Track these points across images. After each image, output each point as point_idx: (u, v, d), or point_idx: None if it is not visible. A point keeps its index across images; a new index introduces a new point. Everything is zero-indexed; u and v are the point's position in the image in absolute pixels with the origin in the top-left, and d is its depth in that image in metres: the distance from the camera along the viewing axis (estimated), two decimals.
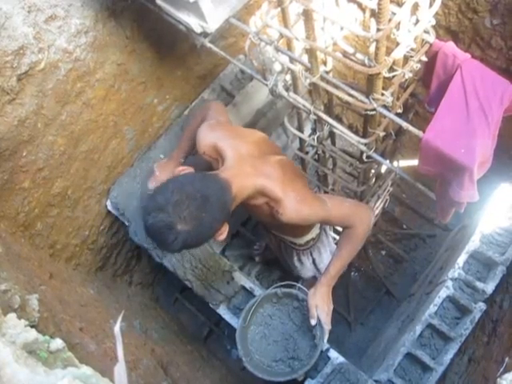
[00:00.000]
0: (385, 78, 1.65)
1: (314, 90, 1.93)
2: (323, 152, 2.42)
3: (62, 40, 2.06)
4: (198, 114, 2.32)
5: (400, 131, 2.22)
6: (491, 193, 2.51)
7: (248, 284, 2.52)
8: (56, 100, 2.17)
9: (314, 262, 2.66)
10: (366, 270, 3.85)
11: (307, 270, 2.73)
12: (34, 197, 2.30)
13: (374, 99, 1.69)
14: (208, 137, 1.92)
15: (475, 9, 2.48)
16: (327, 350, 2.29)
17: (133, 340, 2.38)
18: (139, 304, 3.25)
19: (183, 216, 1.50)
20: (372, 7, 1.39)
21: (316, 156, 2.52)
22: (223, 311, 2.51)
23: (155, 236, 1.56)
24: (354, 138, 1.94)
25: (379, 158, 2.02)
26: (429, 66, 1.84)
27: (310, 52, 1.73)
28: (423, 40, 1.74)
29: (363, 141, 1.94)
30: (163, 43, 2.59)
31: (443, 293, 2.34)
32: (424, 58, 1.78)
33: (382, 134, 1.97)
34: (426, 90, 1.98)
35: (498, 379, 1.14)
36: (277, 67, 2.65)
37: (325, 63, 2.05)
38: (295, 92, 2.01)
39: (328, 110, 2.27)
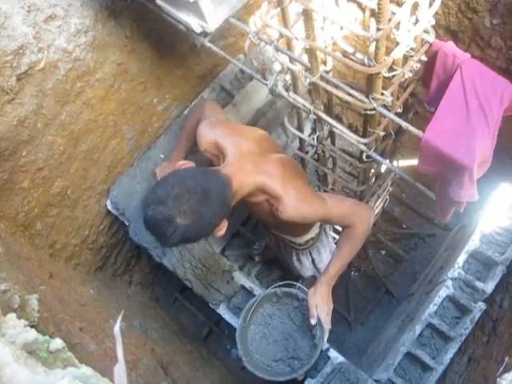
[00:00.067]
0: (384, 77, 1.65)
1: (313, 90, 1.93)
2: (323, 152, 2.42)
3: (62, 40, 2.06)
4: (192, 114, 2.33)
5: (400, 131, 2.22)
6: (491, 192, 2.51)
7: (248, 284, 2.52)
8: (56, 100, 2.16)
9: (313, 261, 2.66)
10: (365, 269, 3.85)
11: (306, 270, 2.73)
12: (34, 197, 2.30)
13: (373, 99, 1.69)
14: (209, 134, 1.93)
15: (475, 8, 2.48)
16: (327, 349, 2.28)
17: (133, 340, 2.38)
18: (139, 304, 3.25)
19: (183, 210, 1.50)
20: (372, 7, 1.39)
21: (316, 155, 2.52)
22: (223, 311, 2.51)
23: (154, 229, 1.55)
24: (353, 137, 1.94)
25: (379, 158, 2.02)
26: (428, 66, 1.84)
27: (310, 52, 1.73)
28: (423, 40, 1.74)
29: (363, 140, 1.94)
30: (163, 43, 2.59)
31: (443, 292, 2.34)
32: (424, 58, 1.78)
33: (381, 133, 1.97)
34: (425, 90, 1.98)
35: (498, 379, 1.14)
36: (276, 67, 2.65)
37: (325, 63, 2.05)
38: (295, 92, 2.01)
39: (328, 109, 2.27)
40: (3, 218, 2.17)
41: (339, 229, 2.98)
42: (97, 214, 2.80)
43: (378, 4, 1.32)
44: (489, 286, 2.29)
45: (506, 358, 1.85)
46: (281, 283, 2.17)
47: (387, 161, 2.16)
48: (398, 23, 1.52)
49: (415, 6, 1.55)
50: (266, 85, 2.00)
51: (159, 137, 2.95)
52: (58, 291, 2.09)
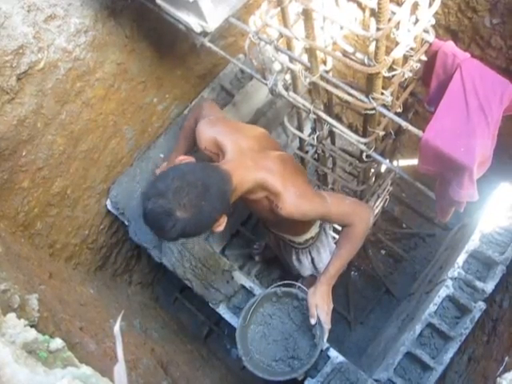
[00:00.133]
0: (384, 77, 1.65)
1: (313, 90, 1.93)
2: (323, 151, 2.42)
3: (62, 39, 2.06)
4: (191, 114, 2.33)
5: (400, 130, 2.22)
6: (491, 192, 2.51)
7: (248, 283, 2.52)
8: (55, 99, 2.16)
9: (312, 261, 2.66)
10: (365, 269, 3.85)
11: (306, 269, 2.73)
12: (34, 196, 2.30)
13: (373, 98, 1.69)
14: (208, 132, 1.94)
15: (475, 8, 2.48)
16: (327, 349, 2.28)
17: (132, 339, 2.38)
18: (139, 303, 3.25)
19: (183, 203, 1.50)
20: (372, 6, 1.39)
21: (316, 155, 2.52)
22: (223, 310, 2.51)
23: (153, 222, 1.56)
24: (353, 137, 1.94)
25: (379, 158, 2.02)
26: (428, 66, 1.84)
27: (310, 51, 1.72)
28: (423, 39, 1.74)
29: (363, 140, 1.93)
30: (163, 42, 2.59)
31: (443, 292, 2.34)
32: (424, 58, 1.78)
33: (381, 133, 1.97)
34: (425, 90, 1.98)
35: (498, 378, 1.14)
36: (276, 67, 2.65)
37: (324, 62, 2.05)
38: (295, 91, 2.00)
39: (328, 109, 2.27)
40: (3, 218, 2.17)
41: (339, 228, 2.98)
42: (97, 214, 2.80)
43: (378, 4, 1.32)
44: (489, 286, 2.29)
45: (506, 358, 1.85)
46: (281, 283, 2.17)
47: (387, 160, 2.16)
48: (398, 23, 1.52)
49: (415, 6, 1.55)
50: (266, 84, 1.99)
51: (159, 136, 2.95)
52: (57, 291, 2.09)
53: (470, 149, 1.63)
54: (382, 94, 1.68)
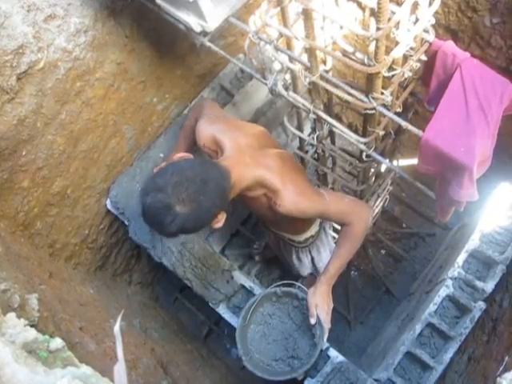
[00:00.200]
0: (384, 77, 1.65)
1: (313, 89, 1.93)
2: (323, 151, 2.42)
3: (62, 39, 2.06)
4: (192, 113, 2.34)
5: (399, 130, 2.22)
6: (491, 192, 2.52)
7: (248, 283, 2.52)
8: (55, 99, 2.16)
9: (312, 260, 2.66)
10: (365, 269, 3.85)
11: (306, 268, 2.73)
12: (34, 196, 2.30)
13: (373, 98, 1.69)
14: (207, 129, 1.94)
15: (475, 8, 2.48)
16: (327, 348, 2.28)
17: (132, 339, 2.38)
18: (139, 303, 3.25)
19: (182, 198, 1.51)
20: (371, 6, 1.39)
21: (316, 155, 2.52)
22: (223, 310, 2.51)
23: (152, 217, 1.56)
24: (353, 137, 1.94)
25: (379, 157, 2.02)
26: (428, 65, 1.84)
27: (310, 51, 1.72)
28: (423, 39, 1.74)
29: (363, 140, 1.93)
30: (163, 42, 2.59)
31: (443, 292, 2.34)
32: (423, 57, 1.78)
33: (381, 133, 1.97)
34: (425, 89, 1.98)
35: (498, 378, 1.14)
36: (276, 66, 2.65)
37: (324, 62, 2.05)
38: (295, 91, 2.00)
39: (327, 109, 2.26)
40: (3, 218, 2.17)
41: (339, 228, 2.98)
42: (97, 214, 2.80)
43: (378, 3, 1.32)
44: (489, 286, 2.29)
45: (506, 358, 1.85)
46: (281, 282, 2.17)
47: (387, 160, 2.16)
48: (398, 22, 1.52)
49: (415, 6, 1.55)
50: (266, 84, 1.99)
51: (159, 136, 2.95)
52: (57, 291, 2.09)
53: (469, 148, 1.63)
54: (382, 93, 1.69)
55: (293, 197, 1.80)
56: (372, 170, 2.48)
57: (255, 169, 1.80)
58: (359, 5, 2.58)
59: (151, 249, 2.65)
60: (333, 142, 2.54)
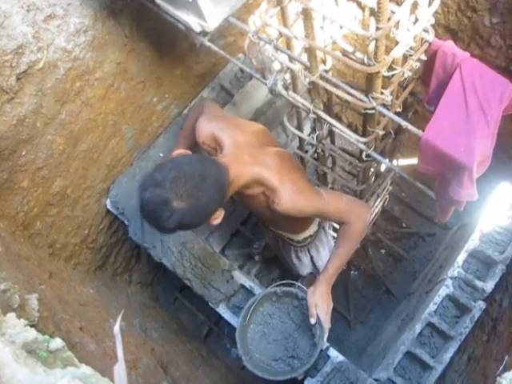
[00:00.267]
0: (384, 76, 1.65)
1: (313, 89, 1.93)
2: (322, 151, 2.42)
3: (61, 39, 2.06)
4: (192, 113, 2.34)
5: (399, 130, 2.22)
6: (491, 191, 2.52)
7: (248, 283, 2.52)
8: (55, 99, 2.16)
9: (311, 259, 2.66)
10: (365, 268, 3.85)
11: (305, 268, 2.73)
12: (34, 196, 2.30)
13: (373, 98, 1.69)
14: (207, 126, 1.95)
15: (474, 7, 2.47)
16: (327, 348, 2.28)
17: (132, 339, 2.38)
18: (139, 303, 3.25)
19: (179, 193, 1.51)
20: (371, 6, 1.39)
21: (315, 155, 2.52)
22: (223, 310, 2.51)
23: (150, 212, 1.56)
24: (353, 136, 1.94)
25: (378, 157, 2.02)
26: (428, 65, 1.84)
27: (310, 51, 1.72)
28: (422, 39, 1.74)
29: (363, 140, 1.93)
30: (162, 42, 2.59)
31: (443, 291, 2.34)
32: (423, 57, 1.78)
33: (381, 132, 1.97)
34: (425, 89, 1.98)
35: (498, 378, 1.14)
36: (276, 66, 2.65)
37: (324, 62, 2.05)
38: (294, 91, 2.00)
39: (327, 108, 2.27)
40: (3, 218, 2.17)
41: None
42: (96, 214, 2.80)
43: (378, 3, 1.32)
44: (488, 285, 2.29)
45: (506, 357, 1.85)
46: (280, 282, 2.17)
47: (387, 160, 2.16)
48: (398, 22, 1.52)
49: (415, 5, 1.55)
50: (266, 84, 1.99)
51: (159, 136, 2.95)
52: (57, 291, 2.09)
53: (469, 148, 1.63)
54: (382, 93, 1.68)
55: (291, 195, 1.80)
56: (372, 169, 2.48)
57: (254, 167, 1.80)
58: (359, 4, 2.58)
59: (151, 249, 2.65)
60: (332, 142, 2.54)
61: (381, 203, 2.98)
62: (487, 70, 1.72)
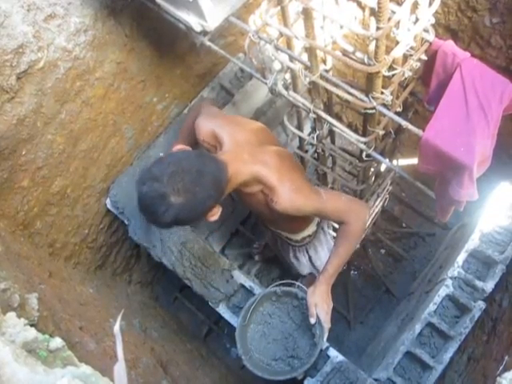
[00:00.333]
0: (384, 76, 1.65)
1: (313, 89, 1.93)
2: (323, 150, 2.42)
3: (62, 39, 2.06)
4: (190, 115, 2.34)
5: (399, 130, 2.22)
6: (491, 191, 2.52)
7: (247, 283, 2.52)
8: (55, 99, 2.16)
9: (310, 259, 2.66)
10: (365, 268, 3.85)
11: (304, 267, 2.73)
12: (34, 195, 2.30)
13: (373, 98, 1.69)
14: (207, 124, 1.96)
15: (475, 7, 2.48)
16: (327, 348, 2.28)
17: (132, 339, 2.38)
18: (139, 303, 3.25)
19: (177, 188, 1.51)
20: (372, 6, 1.39)
21: (315, 154, 2.52)
22: (223, 310, 2.51)
23: (147, 206, 1.56)
24: (353, 136, 1.94)
25: (379, 157, 2.02)
26: (428, 65, 1.84)
27: (310, 51, 1.72)
28: (423, 39, 1.74)
29: (363, 139, 1.93)
30: (163, 42, 2.59)
31: (443, 291, 2.34)
32: (423, 57, 1.78)
33: (381, 132, 1.97)
34: (425, 89, 1.98)
35: (498, 378, 1.14)
36: (276, 66, 2.64)
37: (324, 62, 2.05)
38: (295, 91, 2.00)
39: (327, 108, 2.27)
40: (3, 217, 2.17)
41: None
42: (96, 213, 2.80)
43: (378, 3, 1.32)
44: (488, 285, 2.29)
45: (506, 357, 1.85)
46: (280, 282, 2.17)
47: (387, 160, 2.16)
48: (398, 22, 1.52)
49: (415, 5, 1.55)
50: (266, 84, 1.99)
51: (159, 136, 2.95)
52: (57, 290, 2.09)
53: (469, 148, 1.63)
54: (382, 93, 1.68)
55: (289, 194, 1.80)
56: (372, 169, 2.48)
57: (252, 165, 1.81)
58: (359, 4, 2.58)
59: (151, 248, 2.65)
60: (333, 142, 2.54)
61: (381, 203, 2.98)
62: (487, 69, 1.72)
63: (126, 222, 2.73)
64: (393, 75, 1.68)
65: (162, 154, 2.83)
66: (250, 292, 2.51)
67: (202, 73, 3.03)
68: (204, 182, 1.57)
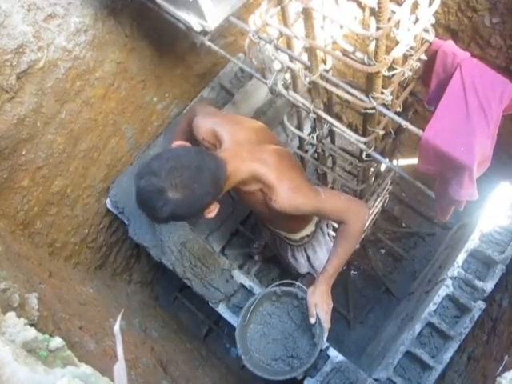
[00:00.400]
0: (384, 76, 1.65)
1: (313, 89, 1.93)
2: (323, 150, 2.42)
3: (62, 38, 2.06)
4: (183, 118, 2.34)
5: (399, 130, 2.22)
6: (491, 191, 2.52)
7: (247, 282, 2.52)
8: (55, 98, 2.16)
9: (308, 259, 2.66)
10: (365, 268, 3.85)
11: (302, 267, 2.73)
12: (34, 195, 2.30)
13: (373, 98, 1.69)
14: (207, 123, 1.96)
15: (474, 7, 2.48)
16: (327, 348, 2.28)
17: (132, 339, 2.38)
18: (138, 303, 3.25)
19: (175, 183, 1.51)
20: (372, 6, 1.39)
21: (315, 154, 2.52)
22: (222, 310, 2.51)
23: (145, 201, 1.56)
24: (353, 136, 1.94)
25: (379, 157, 2.02)
26: (428, 65, 1.84)
27: (310, 51, 1.72)
28: (423, 39, 1.74)
29: (363, 139, 1.93)
30: (163, 42, 2.59)
31: (443, 291, 2.34)
32: (423, 57, 1.78)
33: (381, 132, 1.97)
34: (425, 89, 1.98)
35: (498, 378, 1.14)
36: (276, 66, 2.64)
37: (324, 62, 2.05)
38: (295, 91, 2.00)
39: (327, 108, 2.26)
40: (3, 217, 2.17)
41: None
42: (96, 213, 2.80)
43: (378, 3, 1.32)
44: (488, 285, 2.29)
45: (506, 357, 1.85)
46: (280, 282, 2.17)
47: (387, 160, 2.16)
48: (398, 22, 1.52)
49: (415, 5, 1.55)
50: (266, 84, 1.99)
51: (159, 136, 2.95)
52: (57, 290, 2.09)
53: (469, 148, 1.63)
54: (382, 93, 1.68)
55: (287, 192, 1.80)
56: (372, 169, 2.48)
57: (251, 163, 1.81)
58: (359, 4, 2.58)
59: (151, 248, 2.65)
60: (333, 142, 2.54)
61: (381, 203, 2.98)
62: (487, 69, 1.72)
63: (126, 221, 2.73)
64: (393, 75, 1.68)
65: None
66: (249, 292, 2.51)
67: (201, 73, 3.03)
68: (202, 178, 1.57)
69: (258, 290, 2.48)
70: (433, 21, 1.65)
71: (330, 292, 2.04)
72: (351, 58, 1.72)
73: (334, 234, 3.09)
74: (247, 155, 1.82)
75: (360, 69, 1.57)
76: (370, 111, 1.76)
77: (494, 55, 2.60)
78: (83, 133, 2.42)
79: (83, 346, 1.67)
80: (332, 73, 2.10)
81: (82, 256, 2.81)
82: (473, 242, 2.39)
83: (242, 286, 2.53)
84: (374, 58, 1.52)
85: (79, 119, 2.35)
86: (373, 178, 2.61)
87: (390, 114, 1.77)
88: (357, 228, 1.95)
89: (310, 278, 2.84)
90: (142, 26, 2.41)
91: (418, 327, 2.30)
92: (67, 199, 2.53)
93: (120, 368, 0.81)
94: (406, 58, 1.73)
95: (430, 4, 1.59)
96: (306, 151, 2.57)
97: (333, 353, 2.28)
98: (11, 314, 1.02)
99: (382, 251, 3.91)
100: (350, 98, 1.74)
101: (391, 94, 1.71)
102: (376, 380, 2.23)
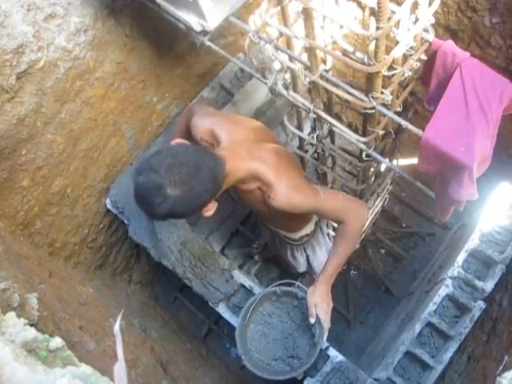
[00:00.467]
0: (384, 76, 1.65)
1: (313, 89, 1.93)
2: (322, 150, 2.42)
3: (62, 38, 2.06)
4: (180, 119, 2.34)
5: (399, 130, 2.22)
6: (491, 191, 2.52)
7: (247, 282, 2.52)
8: (55, 98, 2.16)
9: (307, 258, 2.66)
10: (365, 268, 3.85)
11: (301, 266, 2.73)
12: (34, 195, 2.30)
13: (373, 98, 1.69)
14: (205, 122, 1.97)
15: (474, 7, 2.48)
16: (326, 348, 2.28)
17: (132, 339, 2.38)
18: (138, 303, 3.25)
19: (174, 180, 1.51)
20: (371, 6, 1.39)
21: (315, 154, 2.52)
22: (222, 310, 2.51)
23: (143, 197, 1.56)
24: (353, 136, 1.93)
25: (378, 157, 2.02)
26: (428, 65, 1.84)
27: (310, 50, 1.72)
28: (423, 39, 1.74)
29: (363, 139, 1.93)
30: (163, 42, 2.59)
31: (443, 291, 2.34)
32: (423, 57, 1.78)
33: (381, 132, 1.97)
34: (425, 89, 1.98)
35: (498, 377, 1.14)
36: (276, 66, 2.65)
37: (324, 62, 2.05)
38: (295, 90, 2.00)
39: (327, 108, 2.26)
40: (3, 217, 2.17)
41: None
42: (96, 213, 2.80)
43: (378, 3, 1.32)
44: (488, 285, 2.29)
45: (506, 357, 1.85)
46: (280, 282, 2.17)
47: (387, 160, 2.16)
48: (398, 22, 1.52)
49: (415, 5, 1.55)
50: (266, 84, 1.99)
51: (159, 136, 2.95)
52: (57, 290, 2.09)
53: (469, 148, 1.63)
54: (382, 93, 1.68)
55: (286, 191, 1.80)
56: (372, 169, 2.48)
57: (250, 161, 1.81)
58: (359, 4, 2.58)
59: (151, 248, 2.65)
60: (333, 142, 2.54)
61: (381, 203, 2.98)
62: (487, 69, 1.72)
63: (126, 221, 2.73)
64: (393, 75, 1.68)
65: None
66: (249, 292, 2.51)
67: (201, 73, 3.03)
68: (201, 175, 1.57)
69: (257, 289, 2.48)
70: (433, 21, 1.65)
71: (329, 292, 2.04)
72: (351, 58, 1.72)
73: (333, 234, 3.09)
74: (246, 154, 1.82)
75: (360, 69, 1.57)
76: (370, 111, 1.76)
77: (493, 55, 2.60)
78: (83, 133, 2.42)
79: (83, 346, 1.67)
80: (332, 73, 2.10)
81: (82, 256, 2.81)
82: (473, 242, 2.39)
83: (242, 285, 2.53)
84: (373, 57, 1.52)
85: (79, 119, 2.35)
86: (373, 178, 2.61)
87: (390, 114, 1.77)
88: (356, 228, 1.94)
89: (309, 278, 2.84)
90: (142, 26, 2.41)
91: (417, 327, 2.30)
92: (67, 199, 2.53)
93: (120, 368, 0.82)
94: (405, 57, 1.73)
95: (430, 4, 1.59)
96: (306, 151, 2.57)
97: (333, 353, 2.28)
98: (11, 314, 1.02)
99: (382, 251, 3.91)
100: (349, 97, 1.74)
101: (391, 93, 1.71)
102: (376, 380, 2.23)
